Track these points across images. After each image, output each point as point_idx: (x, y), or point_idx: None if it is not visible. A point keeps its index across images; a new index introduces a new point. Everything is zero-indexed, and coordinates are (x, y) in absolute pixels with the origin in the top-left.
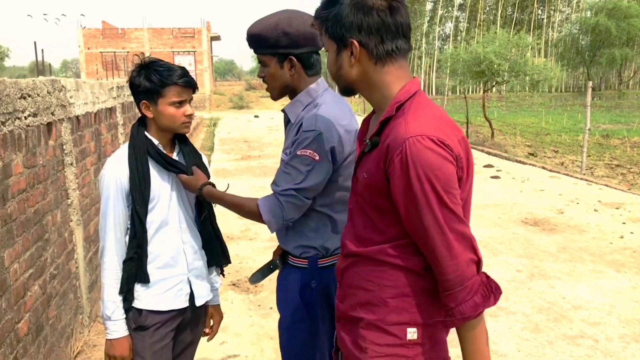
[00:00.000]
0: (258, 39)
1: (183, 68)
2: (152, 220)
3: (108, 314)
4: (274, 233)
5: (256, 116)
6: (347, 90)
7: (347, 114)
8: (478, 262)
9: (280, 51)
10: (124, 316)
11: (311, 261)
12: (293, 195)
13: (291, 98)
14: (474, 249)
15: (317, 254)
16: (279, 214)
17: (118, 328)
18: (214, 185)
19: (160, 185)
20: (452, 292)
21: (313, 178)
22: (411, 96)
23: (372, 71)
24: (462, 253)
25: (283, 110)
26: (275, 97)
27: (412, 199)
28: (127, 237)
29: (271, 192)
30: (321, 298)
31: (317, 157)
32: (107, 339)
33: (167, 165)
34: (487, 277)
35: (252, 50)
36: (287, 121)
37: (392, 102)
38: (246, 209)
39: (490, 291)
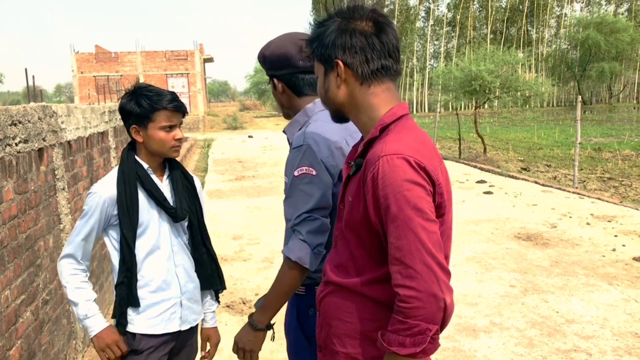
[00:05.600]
0: (261, 59)
1: (172, 93)
2: (143, 245)
3: (84, 313)
4: (281, 253)
5: (250, 136)
6: (337, 114)
7: (341, 132)
8: (445, 309)
9: (268, 74)
10: (99, 310)
11: (308, 288)
12: (307, 219)
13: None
14: (447, 284)
15: (313, 282)
16: (304, 246)
17: (98, 321)
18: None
19: (149, 209)
20: (403, 312)
21: (317, 193)
22: (397, 119)
23: (358, 92)
24: (437, 272)
25: (284, 131)
26: (284, 116)
27: (384, 216)
28: (118, 261)
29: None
30: None
31: (313, 172)
32: (92, 337)
33: (158, 201)
34: (437, 334)
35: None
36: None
37: (377, 124)
38: (283, 273)
39: (424, 344)
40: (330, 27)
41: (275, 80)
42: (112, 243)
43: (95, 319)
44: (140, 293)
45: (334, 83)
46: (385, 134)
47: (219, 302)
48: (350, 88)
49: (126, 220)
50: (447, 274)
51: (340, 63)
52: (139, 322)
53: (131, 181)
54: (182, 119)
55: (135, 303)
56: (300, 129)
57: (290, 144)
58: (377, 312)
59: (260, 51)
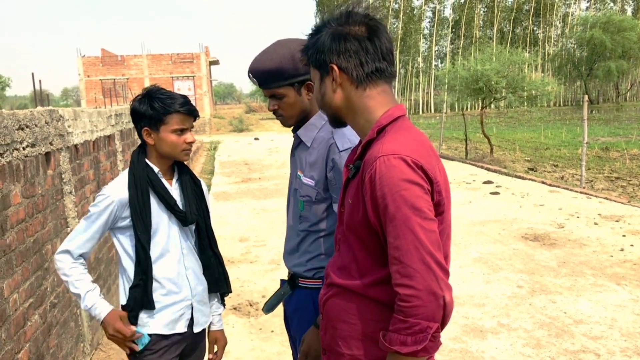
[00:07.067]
0: (276, 72)
1: (185, 96)
2: (154, 248)
3: (91, 304)
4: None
5: (256, 139)
6: (335, 119)
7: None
8: (445, 306)
9: (300, 79)
10: (100, 296)
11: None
12: None
13: (300, 123)
14: (446, 282)
15: None
16: None
17: (102, 307)
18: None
19: (160, 213)
20: (403, 311)
21: None
22: (393, 120)
23: (354, 95)
24: (435, 271)
25: (296, 135)
26: (292, 124)
27: (383, 216)
28: (131, 264)
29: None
30: None
31: None
32: (101, 323)
33: (169, 205)
34: (437, 332)
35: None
36: (297, 143)
37: (374, 126)
38: None
39: (425, 342)
40: (324, 33)
41: (312, 84)
42: (122, 246)
43: (98, 306)
44: (154, 296)
45: (330, 88)
46: (382, 135)
47: (224, 305)
48: (346, 92)
49: (140, 223)
50: (446, 272)
51: (335, 67)
52: (152, 324)
53: (142, 184)
54: (194, 123)
55: (150, 306)
56: (318, 131)
57: (297, 145)
58: (381, 313)
59: (294, 57)
